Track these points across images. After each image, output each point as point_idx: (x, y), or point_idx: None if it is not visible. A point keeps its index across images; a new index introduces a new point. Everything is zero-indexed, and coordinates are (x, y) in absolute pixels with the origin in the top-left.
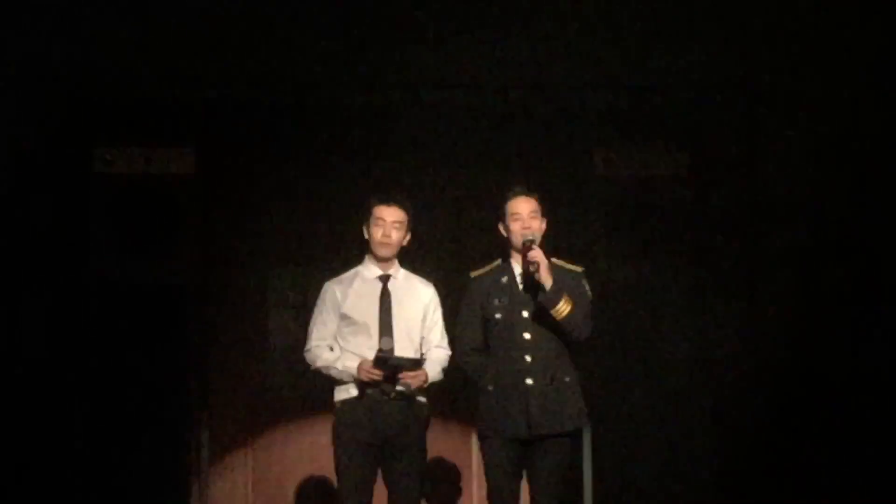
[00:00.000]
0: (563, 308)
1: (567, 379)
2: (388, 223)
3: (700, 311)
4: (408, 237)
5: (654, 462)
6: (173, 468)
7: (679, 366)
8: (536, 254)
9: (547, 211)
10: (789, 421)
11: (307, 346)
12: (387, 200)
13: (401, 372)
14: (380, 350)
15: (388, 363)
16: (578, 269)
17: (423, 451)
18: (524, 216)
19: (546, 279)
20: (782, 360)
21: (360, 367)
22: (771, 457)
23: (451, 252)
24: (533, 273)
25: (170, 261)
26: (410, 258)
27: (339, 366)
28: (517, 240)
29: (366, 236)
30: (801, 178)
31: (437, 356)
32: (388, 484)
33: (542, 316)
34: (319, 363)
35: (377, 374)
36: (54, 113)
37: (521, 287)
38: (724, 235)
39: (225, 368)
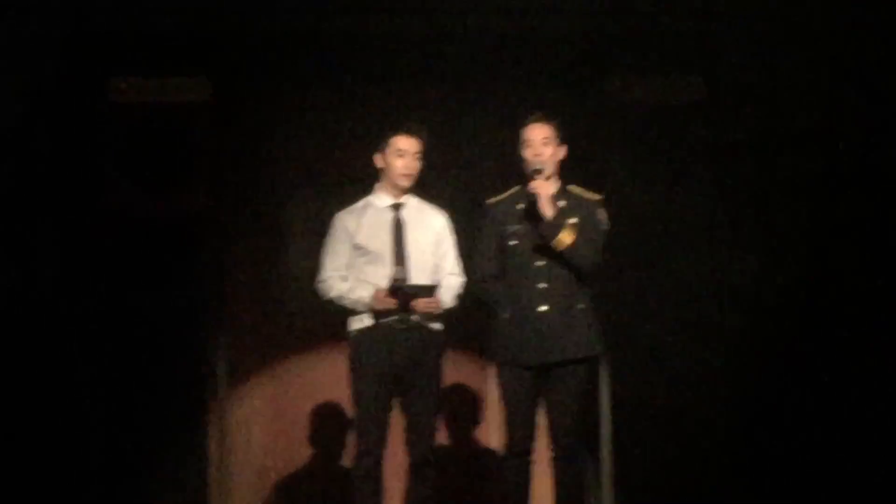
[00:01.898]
0: (563, 239)
1: (581, 306)
2: (410, 154)
3: (716, 237)
4: (420, 165)
5: (671, 390)
6: (190, 398)
7: (695, 293)
8: (538, 184)
9: (564, 136)
10: (806, 348)
11: (320, 278)
12: (408, 131)
13: (415, 299)
14: (393, 279)
15: (401, 291)
16: (596, 197)
17: (439, 378)
18: (536, 143)
19: (546, 210)
20: (798, 287)
21: (374, 297)
22: (789, 384)
23: (467, 180)
24: (534, 203)
25: (185, 189)
26: (426, 186)
27: (354, 296)
28: (528, 167)
29: (380, 165)
30: (816, 104)
31: (451, 283)
32: (405, 412)
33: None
34: (333, 294)
35: (391, 303)
36: (67, 43)
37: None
38: (739, 161)
39: (241, 297)
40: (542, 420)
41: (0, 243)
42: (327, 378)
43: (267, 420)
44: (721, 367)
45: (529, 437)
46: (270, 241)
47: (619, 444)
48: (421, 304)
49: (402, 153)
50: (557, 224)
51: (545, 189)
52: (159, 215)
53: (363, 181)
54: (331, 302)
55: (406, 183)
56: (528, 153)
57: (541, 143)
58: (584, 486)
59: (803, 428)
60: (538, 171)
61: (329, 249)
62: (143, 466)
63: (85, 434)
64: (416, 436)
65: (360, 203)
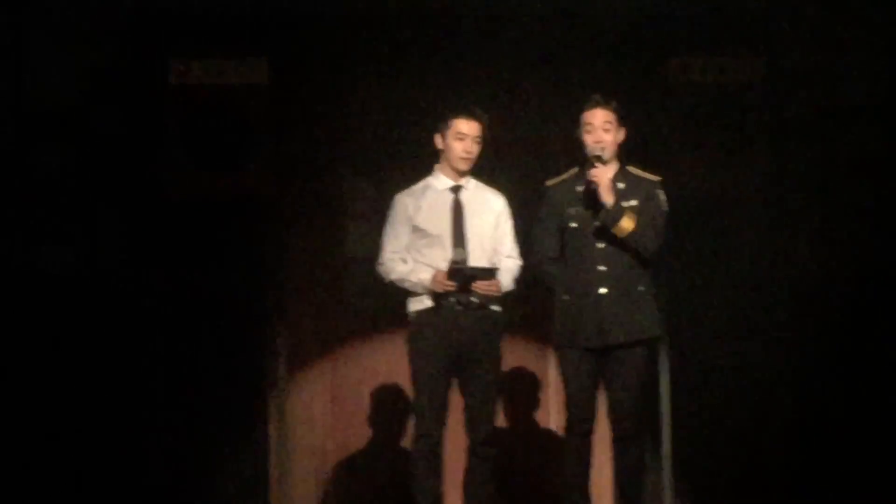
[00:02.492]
0: (625, 226)
1: (641, 288)
2: (471, 137)
3: (778, 219)
4: (480, 148)
5: (731, 372)
6: (251, 380)
7: (757, 275)
8: (597, 172)
9: (625, 120)
10: (871, 332)
11: (380, 260)
12: (469, 114)
13: (474, 281)
14: (453, 261)
15: (461, 273)
16: (656, 178)
17: (498, 360)
18: (597, 127)
19: (607, 197)
20: (861, 265)
21: (433, 279)
22: (852, 369)
23: (527, 161)
24: (593, 191)
25: (244, 171)
26: (489, 167)
27: (413, 278)
28: (589, 153)
29: (439, 147)
30: (877, 80)
31: (509, 266)
32: (464, 394)
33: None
34: (393, 276)
35: (451, 285)
36: (128, 25)
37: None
38: (801, 140)
39: (301, 280)
40: (602, 400)
41: (63, 223)
42: (387, 360)
43: (327, 402)
44: (782, 350)
45: (590, 417)
46: (330, 222)
47: (678, 425)
48: (481, 286)
49: (463, 136)
50: (618, 211)
51: (604, 177)
52: (219, 197)
53: (423, 162)
54: (391, 283)
55: (465, 166)
56: (588, 138)
57: (601, 129)
58: (644, 467)
59: (866, 415)
60: (598, 158)
61: (389, 231)
62: (204, 448)
63: (147, 417)
64: (476, 417)
65: (420, 184)
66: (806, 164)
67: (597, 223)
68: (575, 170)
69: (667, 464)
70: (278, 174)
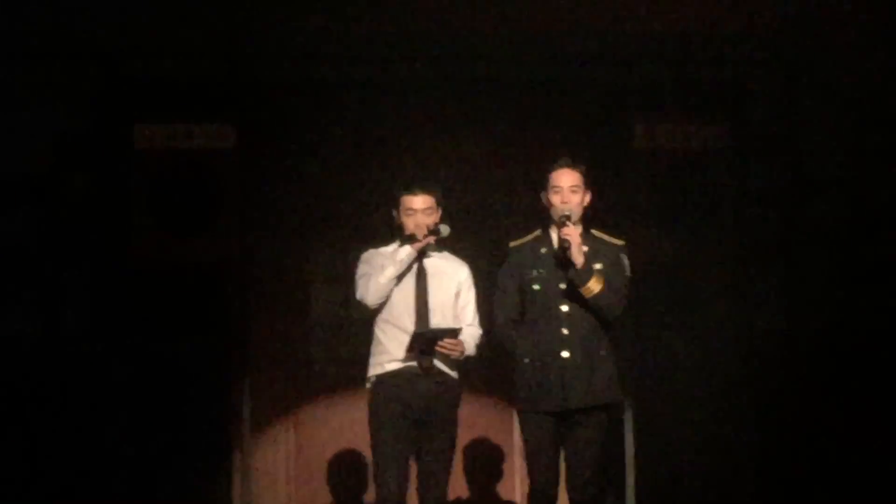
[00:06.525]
0: (592, 287)
1: (603, 352)
2: (419, 211)
3: (740, 284)
4: (439, 214)
5: (695, 437)
6: (216, 442)
7: (719, 340)
8: (569, 231)
9: (591, 183)
10: (830, 395)
11: (358, 295)
12: (412, 190)
13: (437, 342)
14: (415, 333)
15: (425, 336)
16: (620, 242)
17: (455, 426)
18: (564, 189)
19: (577, 257)
20: (823, 334)
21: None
22: (812, 433)
23: (497, 227)
24: (565, 250)
25: (211, 236)
26: (455, 232)
27: (397, 256)
28: (556, 213)
29: (398, 222)
30: (841, 151)
31: (470, 332)
32: (418, 459)
33: (577, 290)
34: (380, 277)
35: (431, 239)
36: (95, 90)
37: (553, 261)
38: (765, 209)
39: (266, 343)
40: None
41: (28, 288)
42: (350, 422)
43: (290, 464)
44: (747, 415)
45: (553, 483)
46: (295, 286)
47: (643, 491)
48: (446, 345)
49: (412, 212)
50: (587, 272)
51: (577, 236)
52: (185, 261)
53: (387, 227)
54: (378, 288)
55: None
56: (555, 199)
57: (569, 191)
58: None
59: (830, 477)
60: (567, 218)
61: (362, 268)
62: None
63: (112, 478)
64: (428, 482)
65: (390, 248)
66: (769, 231)
67: (562, 286)
68: (538, 232)
69: None
70: (244, 238)
